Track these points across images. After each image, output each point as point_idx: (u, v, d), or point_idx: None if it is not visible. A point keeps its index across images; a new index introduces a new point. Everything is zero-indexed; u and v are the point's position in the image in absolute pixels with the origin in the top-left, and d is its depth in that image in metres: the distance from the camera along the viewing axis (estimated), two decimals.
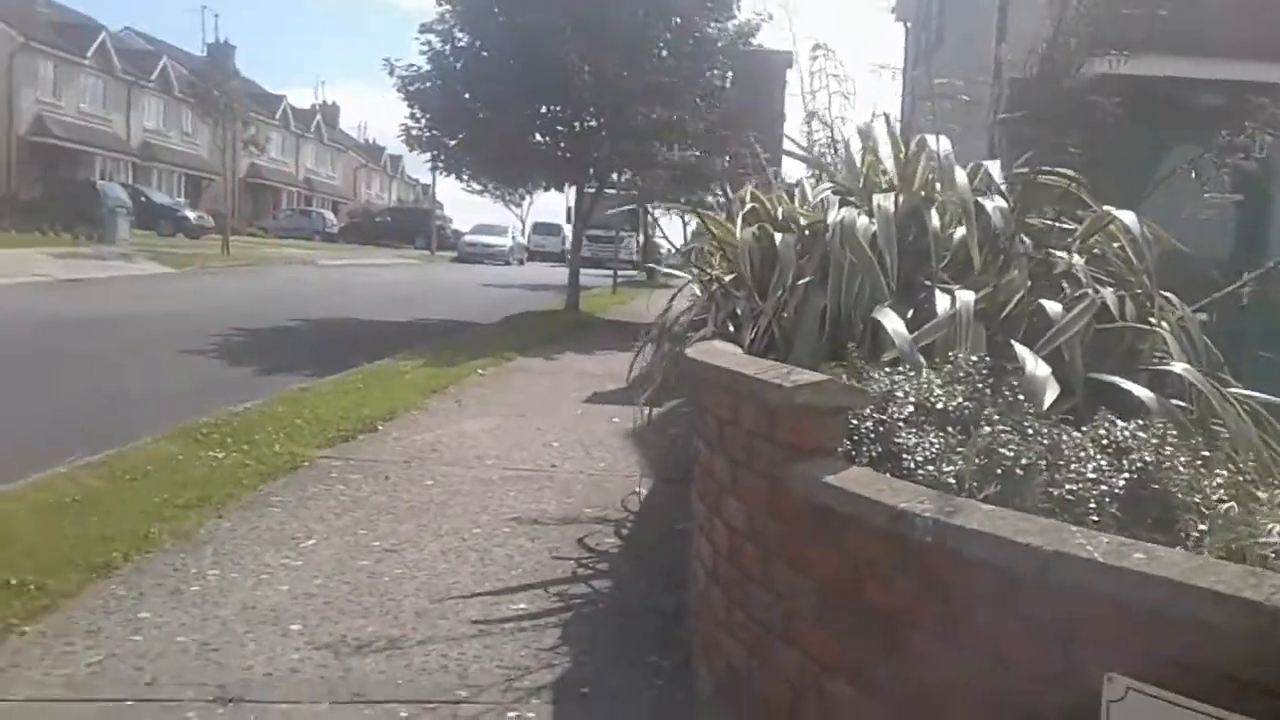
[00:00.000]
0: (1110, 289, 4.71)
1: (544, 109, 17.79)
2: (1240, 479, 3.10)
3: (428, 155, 18.46)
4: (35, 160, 41.67)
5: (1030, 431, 3.03)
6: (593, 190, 19.06)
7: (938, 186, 4.92)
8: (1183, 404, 4.24)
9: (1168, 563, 1.89)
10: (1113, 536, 2.11)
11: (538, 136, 18.00)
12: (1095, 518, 2.83)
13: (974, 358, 3.73)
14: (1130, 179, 7.15)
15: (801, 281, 4.46)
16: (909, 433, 2.91)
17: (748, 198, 5.19)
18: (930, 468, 2.79)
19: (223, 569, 4.69)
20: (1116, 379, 4.20)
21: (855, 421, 3.00)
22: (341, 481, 6.27)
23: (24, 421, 7.82)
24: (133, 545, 4.85)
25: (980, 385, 3.22)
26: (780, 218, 5.08)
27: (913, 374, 3.35)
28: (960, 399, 3.12)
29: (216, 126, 32.51)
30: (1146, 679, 1.87)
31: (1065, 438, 3.05)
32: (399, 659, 3.82)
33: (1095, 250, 5.15)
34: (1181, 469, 3.00)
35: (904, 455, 2.87)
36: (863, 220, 4.57)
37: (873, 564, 2.44)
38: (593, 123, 17.95)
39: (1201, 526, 2.86)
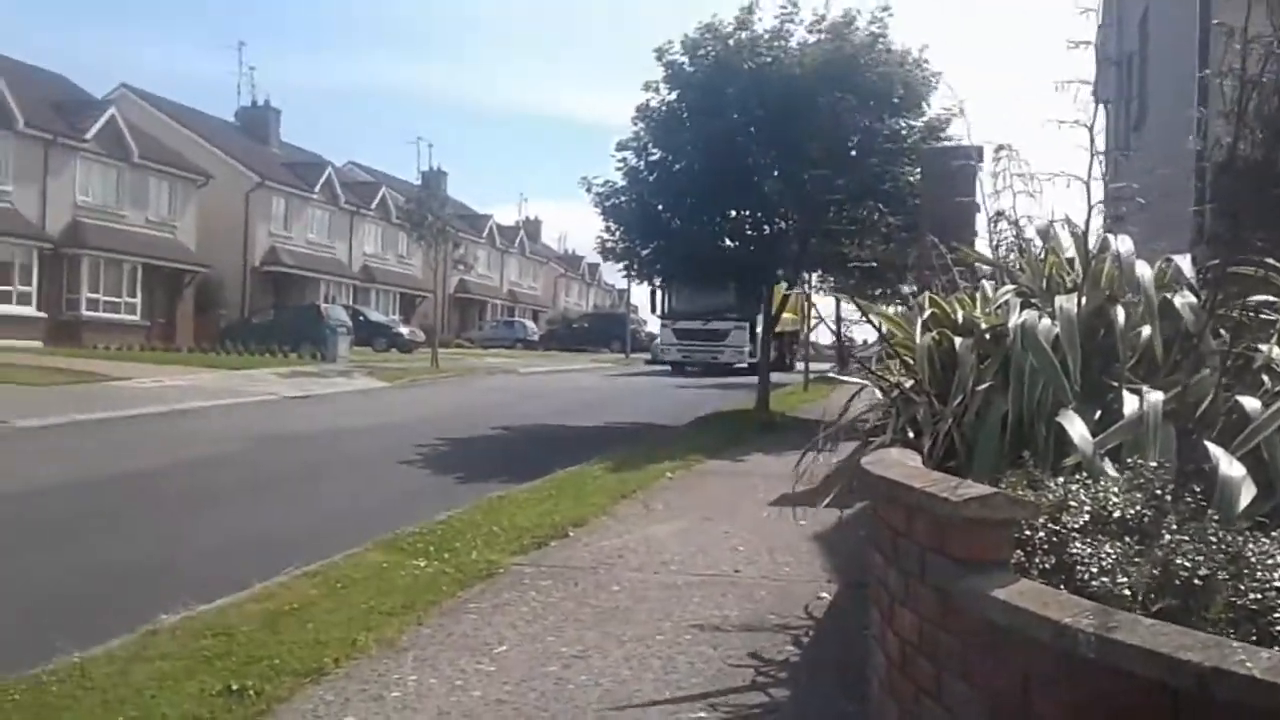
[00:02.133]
0: None
1: (734, 213, 18.17)
2: None
3: (621, 265, 19.09)
4: (268, 286, 45.40)
5: (1214, 539, 2.90)
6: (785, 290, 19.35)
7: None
8: None
9: None
10: (1275, 653, 2.01)
11: (727, 241, 18.35)
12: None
13: (1156, 461, 3.62)
14: None
15: (981, 386, 4.41)
16: (1083, 544, 2.84)
17: (927, 302, 5.18)
18: (1104, 580, 2.72)
19: (421, 675, 4.91)
20: None
21: (1029, 532, 2.95)
22: (533, 588, 6.47)
23: (250, 532, 8.44)
24: (342, 651, 5.15)
25: (1161, 491, 3.10)
26: (960, 321, 5.04)
27: (1090, 481, 3.26)
28: (1139, 507, 3.02)
29: (429, 249, 34.60)
30: None
31: (1252, 545, 2.90)
32: None
33: None
34: None
35: (1077, 567, 2.80)
36: (1044, 322, 4.49)
37: (1039, 678, 2.39)
38: (782, 224, 18.21)
39: None
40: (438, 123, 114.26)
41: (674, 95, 17.56)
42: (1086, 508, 3.04)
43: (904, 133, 17.26)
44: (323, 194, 49.50)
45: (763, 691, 4.77)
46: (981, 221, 6.91)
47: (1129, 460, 3.74)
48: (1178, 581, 2.70)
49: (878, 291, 17.78)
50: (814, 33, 17.30)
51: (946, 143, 15.98)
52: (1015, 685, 2.49)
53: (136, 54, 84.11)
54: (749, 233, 18.14)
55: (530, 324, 65.20)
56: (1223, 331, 4.95)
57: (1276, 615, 2.72)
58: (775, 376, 20.56)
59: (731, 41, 17.09)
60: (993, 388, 4.40)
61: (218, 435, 15.16)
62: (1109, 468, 3.79)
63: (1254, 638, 2.70)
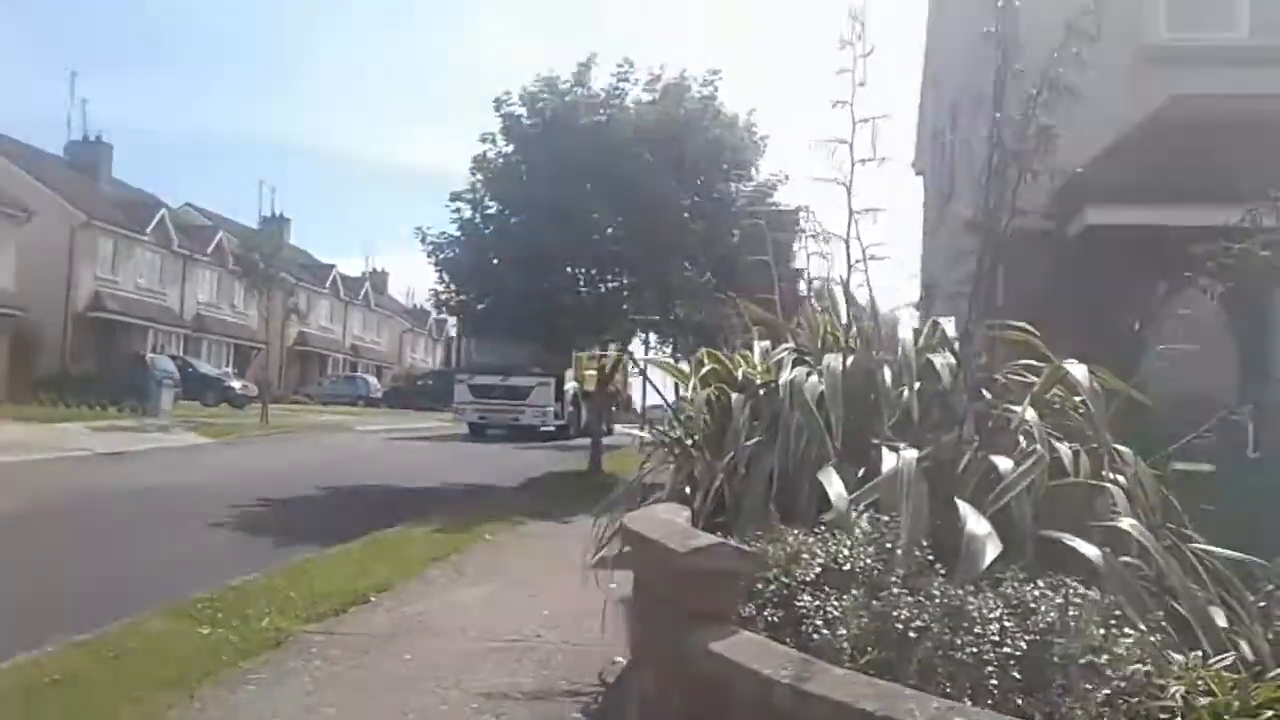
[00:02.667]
0: (1066, 444, 4.70)
1: (569, 269, 18.23)
2: (1152, 640, 3.03)
3: (454, 319, 18.92)
4: (91, 334, 43.04)
5: (936, 594, 3.00)
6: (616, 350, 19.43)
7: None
8: (1140, 562, 4.17)
9: None
10: (943, 701, 2.08)
11: (564, 299, 18.40)
12: (994, 681, 2.79)
13: (907, 518, 3.75)
14: (1107, 328, 7.19)
15: (750, 442, 4.50)
16: (809, 596, 2.90)
17: (705, 358, 5.28)
18: (825, 632, 2.77)
19: None
20: (1064, 536, 4.15)
21: (759, 585, 2.99)
22: (321, 657, 6.23)
23: (23, 599, 7.90)
24: None
25: (890, 546, 3.20)
26: (741, 378, 5.15)
27: (828, 536, 3.35)
28: (869, 560, 3.11)
29: (260, 296, 33.60)
30: None
31: (972, 600, 3.02)
32: None
33: (1055, 405, 5.16)
34: (1092, 629, 2.95)
35: (803, 620, 2.86)
36: (812, 380, 4.63)
37: None
38: (614, 283, 18.37)
39: (1105, 691, 2.80)
40: (284, 170, 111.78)
41: (511, 148, 17.65)
42: (819, 561, 3.11)
43: (732, 196, 17.73)
44: (155, 236, 47.46)
45: None
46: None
47: (878, 517, 3.87)
48: (894, 634, 2.78)
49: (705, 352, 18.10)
50: (649, 91, 17.67)
51: (772, 206, 16.53)
52: None
53: None
54: (582, 290, 18.23)
55: (373, 380, 63.82)
56: (985, 393, 5.20)
57: (992, 668, 2.83)
58: (611, 438, 20.58)
59: (568, 98, 17.32)
60: (761, 443, 4.49)
61: (9, 493, 14.22)
62: (864, 523, 3.91)
63: (968, 689, 2.81)
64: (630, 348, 19.19)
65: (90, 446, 21.42)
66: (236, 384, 45.38)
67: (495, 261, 17.59)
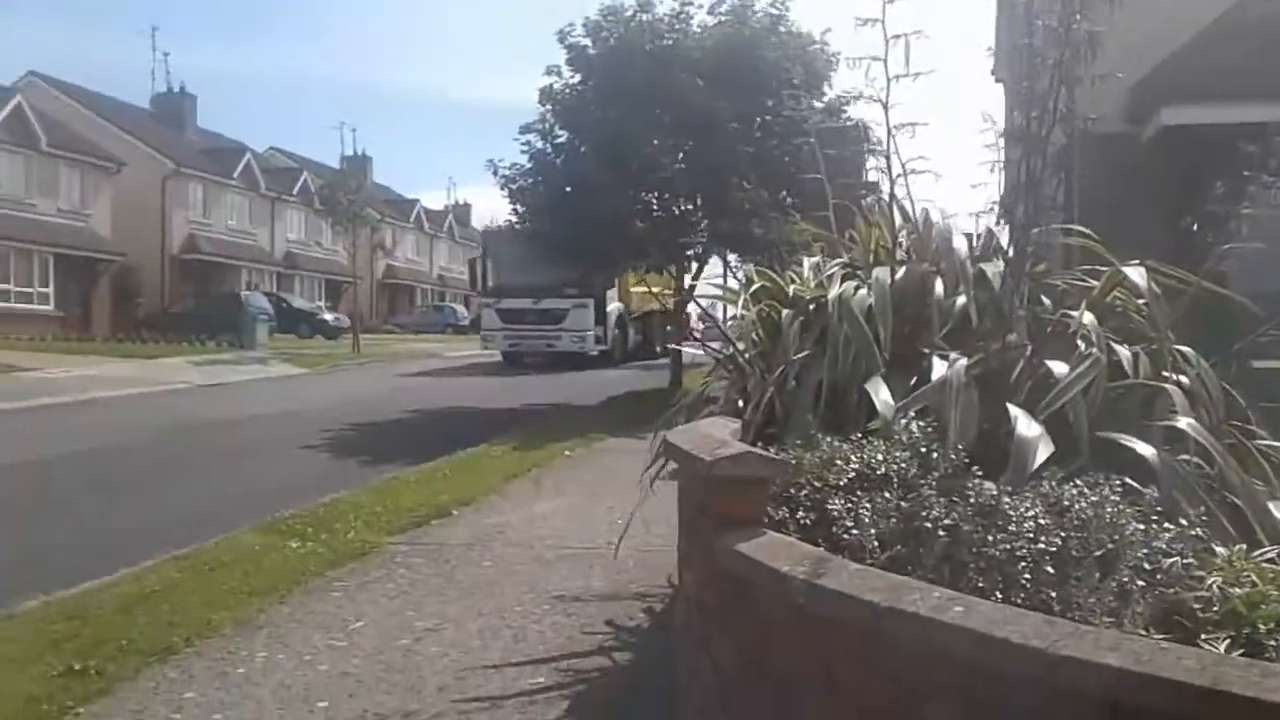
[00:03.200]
0: (1126, 347, 4.68)
1: (643, 194, 18.23)
2: (1195, 534, 3.06)
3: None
4: (188, 276, 44.51)
5: (971, 494, 3.07)
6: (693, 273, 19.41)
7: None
8: (1200, 461, 4.16)
9: (980, 615, 1.95)
10: (946, 591, 2.17)
11: (638, 223, 18.42)
12: (1027, 576, 2.86)
13: (957, 424, 3.81)
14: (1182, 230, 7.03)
15: (800, 355, 4.57)
16: (840, 500, 3.00)
17: (754, 276, 5.34)
18: (855, 532, 2.87)
19: (270, 651, 4.98)
20: (1120, 437, 4.16)
21: (792, 490, 3.10)
22: (404, 566, 6.55)
23: (128, 520, 8.39)
24: (195, 631, 5.20)
25: (926, 449, 3.27)
26: (792, 295, 5.20)
27: (866, 442, 3.43)
28: (903, 464, 3.19)
29: (345, 233, 34.26)
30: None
31: (1007, 499, 3.08)
32: None
33: (1117, 308, 5.12)
34: (1129, 523, 2.99)
35: (834, 523, 2.96)
36: (861, 293, 4.67)
37: (773, 626, 2.53)
38: (688, 205, 18.34)
39: (1139, 582, 2.86)
40: (363, 109, 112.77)
41: (577, 78, 17.62)
42: (853, 466, 3.20)
43: (804, 113, 17.48)
44: (242, 180, 48.59)
45: (606, 655, 4.92)
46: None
47: (925, 424, 3.93)
48: (922, 533, 2.87)
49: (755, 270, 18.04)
50: (714, 15, 17.46)
51: (845, 122, 16.26)
52: (758, 635, 2.63)
53: (47, 41, 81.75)
54: (657, 214, 18.23)
55: (461, 309, 64.71)
56: (1045, 299, 5.18)
57: (1025, 564, 2.91)
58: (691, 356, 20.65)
59: (633, 24, 17.19)
60: (811, 356, 4.56)
61: (119, 425, 14.94)
62: (913, 430, 3.98)
63: (1000, 584, 2.89)
64: (705, 267, 19.17)
65: (191, 379, 22.29)
66: (329, 316, 46.51)
67: (566, 189, 17.65)
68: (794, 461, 3.20)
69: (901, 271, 4.82)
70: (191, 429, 14.68)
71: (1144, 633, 2.41)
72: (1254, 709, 1.61)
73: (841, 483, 3.13)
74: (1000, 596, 2.80)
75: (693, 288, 18.19)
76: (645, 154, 16.89)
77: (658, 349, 30.39)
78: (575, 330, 27.56)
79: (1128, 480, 3.52)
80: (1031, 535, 2.95)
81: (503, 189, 18.08)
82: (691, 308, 25.82)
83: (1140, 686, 1.68)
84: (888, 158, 4.64)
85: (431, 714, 4.19)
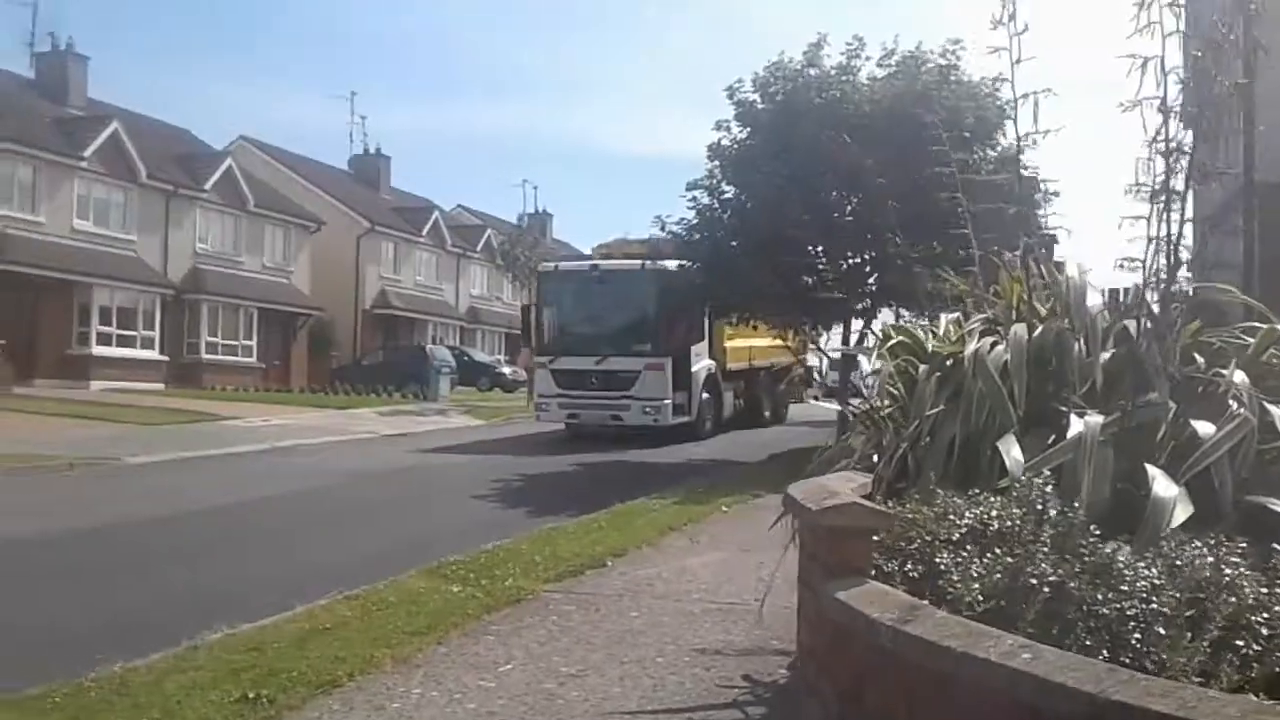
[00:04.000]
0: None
1: (809, 249, 18.28)
2: None
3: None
4: (378, 329, 47.01)
5: (1085, 552, 3.06)
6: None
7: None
8: None
9: (1045, 662, 2.00)
10: (1020, 640, 2.21)
11: (804, 279, 18.47)
12: (1137, 636, 2.84)
13: (1089, 483, 3.78)
14: None
15: (934, 410, 4.60)
16: (947, 554, 3.05)
17: (892, 332, 5.39)
18: (958, 585, 2.92)
19: (425, 689, 5.27)
20: (1270, 501, 4.04)
21: (903, 544, 3.16)
22: (555, 613, 6.79)
23: (312, 562, 8.96)
24: (358, 666, 5.54)
25: (1042, 506, 3.28)
26: (930, 351, 5.23)
27: (983, 498, 3.45)
28: (1014, 521, 3.21)
29: (523, 289, 35.54)
30: None
31: (1122, 559, 3.06)
32: None
33: (1275, 366, 4.94)
34: (1246, 586, 2.93)
35: (940, 575, 3.01)
36: (998, 350, 4.67)
37: (867, 670, 2.61)
38: (856, 259, 18.28)
39: (1255, 647, 2.80)
40: (543, 166, 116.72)
41: (745, 133, 17.90)
42: (965, 521, 3.23)
43: (974, 165, 17.22)
44: (430, 237, 51.08)
45: (739, 709, 4.97)
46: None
47: (1070, 483, 3.90)
48: (1025, 588, 2.89)
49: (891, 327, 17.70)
50: (883, 66, 17.48)
51: (1023, 172, 15.92)
52: (854, 679, 2.71)
53: (260, 107, 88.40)
54: (823, 270, 18.24)
55: None
56: (1199, 357, 5.05)
57: (1135, 623, 2.89)
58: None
59: (800, 79, 17.38)
60: (945, 412, 4.58)
61: (308, 471, 15.92)
62: (1045, 489, 3.97)
63: (1108, 643, 2.88)
64: (873, 321, 18.96)
65: (376, 429, 23.48)
66: (507, 370, 48.01)
67: (733, 244, 17.88)
68: (910, 515, 3.26)
69: (1040, 329, 4.79)
70: (372, 476, 15.49)
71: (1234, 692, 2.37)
72: None
73: (954, 537, 3.18)
74: (1107, 655, 2.80)
75: (857, 342, 18.03)
76: (813, 208, 16.97)
77: (767, 413, 26.34)
78: (648, 398, 21.47)
79: (1276, 545, 3.42)
80: (1144, 595, 2.93)
81: (670, 246, 18.49)
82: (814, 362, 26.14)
83: None
84: (1028, 214, 4.64)
85: None
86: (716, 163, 18.52)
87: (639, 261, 21.72)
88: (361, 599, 7.04)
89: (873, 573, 3.04)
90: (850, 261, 18.31)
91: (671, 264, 20.47)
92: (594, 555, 8.53)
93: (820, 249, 18.26)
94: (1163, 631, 2.84)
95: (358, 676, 5.42)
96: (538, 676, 5.47)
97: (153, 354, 33.70)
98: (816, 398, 25.52)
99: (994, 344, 4.71)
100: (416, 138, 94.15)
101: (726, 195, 18.50)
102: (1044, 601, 2.81)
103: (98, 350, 31.56)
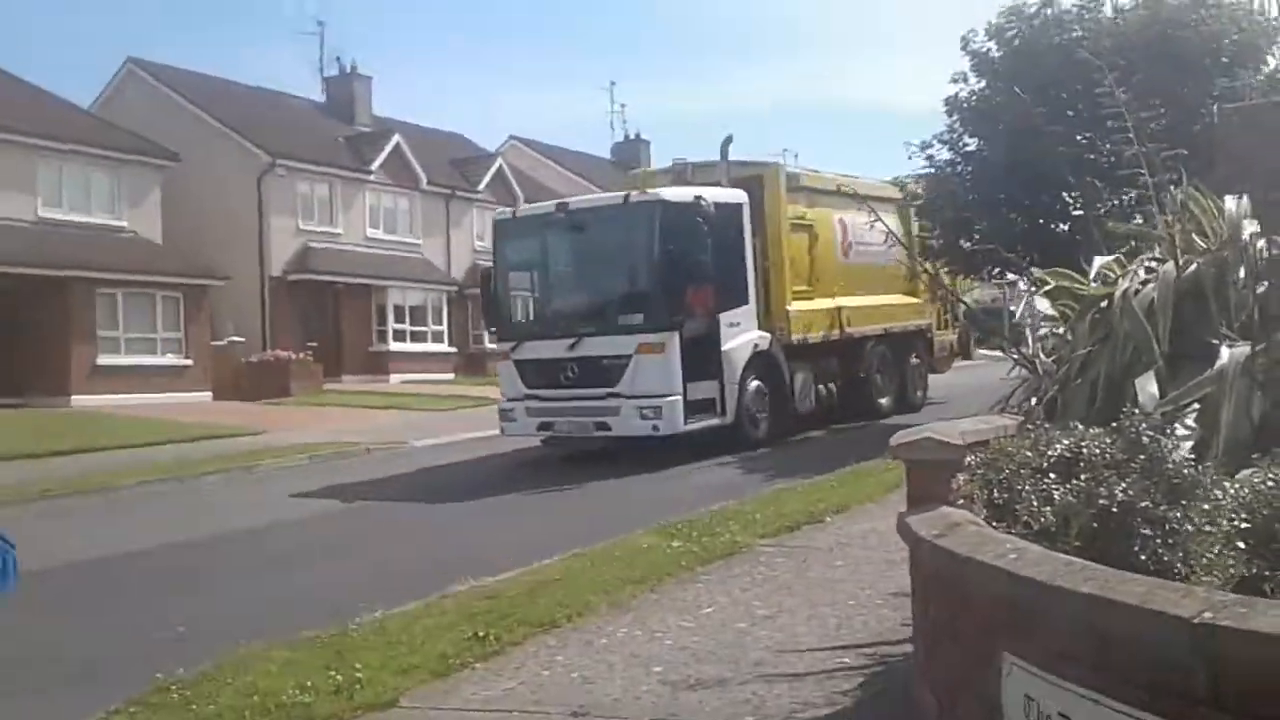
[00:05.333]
0: None
1: (1062, 195, 17.59)
2: None
3: (943, 262, 19.00)
4: None
5: (1170, 474, 3.19)
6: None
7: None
8: None
9: (1021, 560, 2.27)
10: (1019, 543, 2.47)
11: (1054, 227, 17.80)
12: (1209, 554, 2.97)
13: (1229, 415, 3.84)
14: None
15: (1080, 351, 4.69)
16: (1027, 480, 3.26)
17: (1048, 277, 5.43)
18: (1034, 509, 3.14)
19: (631, 629, 5.88)
20: None
21: (993, 475, 3.39)
22: (764, 564, 7.24)
23: (563, 528, 9.82)
24: (576, 610, 6.23)
25: (1136, 434, 3.39)
26: (1086, 294, 5.26)
27: (1082, 430, 3.60)
28: (1104, 449, 3.36)
29: None
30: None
31: (1208, 480, 3.16)
32: (716, 693, 4.69)
33: None
34: None
35: (1020, 501, 3.23)
36: (1148, 288, 4.68)
37: (927, 580, 2.92)
38: (1101, 207, 17.42)
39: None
40: (803, 132, 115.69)
41: (982, 83, 17.42)
42: (1056, 450, 3.42)
43: (1237, 91, 16.00)
44: None
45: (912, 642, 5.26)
46: None
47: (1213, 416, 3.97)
48: (1096, 510, 3.08)
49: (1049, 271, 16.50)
50: None
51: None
52: (922, 599, 3.03)
53: (525, 106, 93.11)
54: (1075, 213, 17.49)
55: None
56: None
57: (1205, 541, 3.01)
58: None
59: (1036, 21, 16.73)
60: (1093, 353, 4.66)
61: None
62: (1188, 421, 4.05)
63: (1182, 560, 3.03)
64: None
65: None
66: None
67: (970, 198, 17.44)
68: (1003, 446, 3.48)
69: (1198, 263, 4.75)
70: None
71: None
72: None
73: (1043, 465, 3.37)
74: (1178, 575, 2.93)
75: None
76: (1060, 152, 16.33)
77: (884, 400, 18.45)
78: (644, 395, 14.18)
79: None
80: (1211, 513, 3.04)
81: (907, 206, 18.29)
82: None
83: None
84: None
85: (739, 682, 4.82)
86: (956, 117, 18.10)
87: (623, 194, 15.26)
88: (590, 554, 7.76)
89: (960, 501, 3.29)
90: (1112, 203, 17.44)
91: (678, 193, 14.76)
92: (813, 512, 8.89)
93: (1073, 194, 17.51)
94: (1242, 546, 2.95)
95: (574, 619, 6.10)
96: (733, 617, 5.95)
97: (442, 347, 36.46)
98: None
99: (1145, 283, 4.72)
100: (673, 120, 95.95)
101: (969, 148, 18.05)
102: (1104, 519, 2.99)
103: (394, 346, 34.53)
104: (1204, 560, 2.70)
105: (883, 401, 18.35)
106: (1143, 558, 2.90)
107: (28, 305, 24.68)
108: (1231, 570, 2.66)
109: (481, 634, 5.79)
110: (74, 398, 24.43)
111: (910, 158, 18.06)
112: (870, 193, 18.00)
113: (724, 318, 14.83)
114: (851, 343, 17.75)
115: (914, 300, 18.86)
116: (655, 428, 14.04)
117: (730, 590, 6.58)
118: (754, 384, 15.33)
